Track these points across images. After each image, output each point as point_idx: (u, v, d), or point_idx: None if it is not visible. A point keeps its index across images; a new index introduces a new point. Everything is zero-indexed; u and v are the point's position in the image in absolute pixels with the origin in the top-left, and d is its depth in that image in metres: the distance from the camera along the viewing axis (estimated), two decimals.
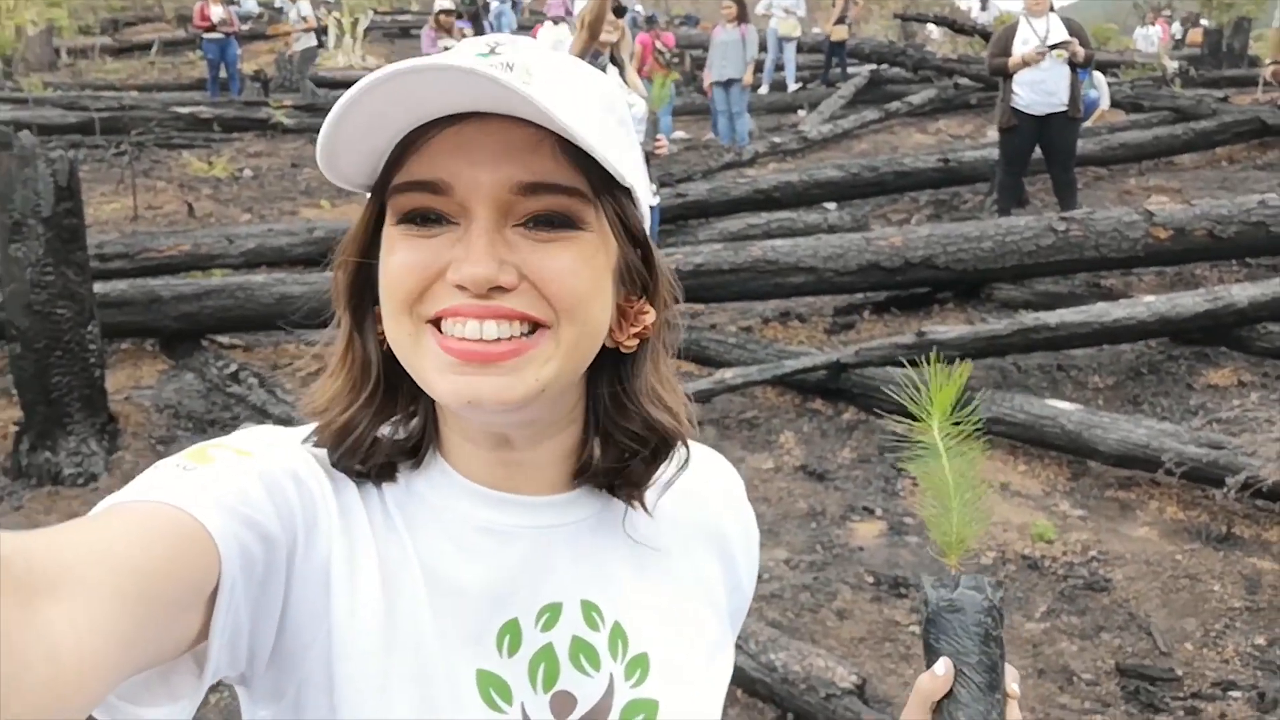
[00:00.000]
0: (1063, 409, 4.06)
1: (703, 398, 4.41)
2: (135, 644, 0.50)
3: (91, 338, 3.99)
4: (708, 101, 10.80)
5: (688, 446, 0.72)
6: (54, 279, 3.85)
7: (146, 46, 17.71)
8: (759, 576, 3.36)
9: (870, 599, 3.17)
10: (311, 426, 0.68)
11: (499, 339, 0.61)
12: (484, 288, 0.60)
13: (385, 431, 0.68)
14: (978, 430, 0.72)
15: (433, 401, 0.67)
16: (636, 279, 0.68)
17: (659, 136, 4.61)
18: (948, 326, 4.85)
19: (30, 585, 0.45)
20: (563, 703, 0.67)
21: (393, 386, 0.67)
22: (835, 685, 2.47)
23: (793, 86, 13.06)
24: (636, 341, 0.68)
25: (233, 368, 4.86)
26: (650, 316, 0.68)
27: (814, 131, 10.03)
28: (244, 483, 0.60)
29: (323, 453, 0.67)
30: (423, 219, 0.62)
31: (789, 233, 6.32)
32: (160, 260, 5.83)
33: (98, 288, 4.35)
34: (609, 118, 0.65)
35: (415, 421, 0.69)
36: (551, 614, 0.68)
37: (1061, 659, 2.88)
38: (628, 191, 0.65)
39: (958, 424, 0.72)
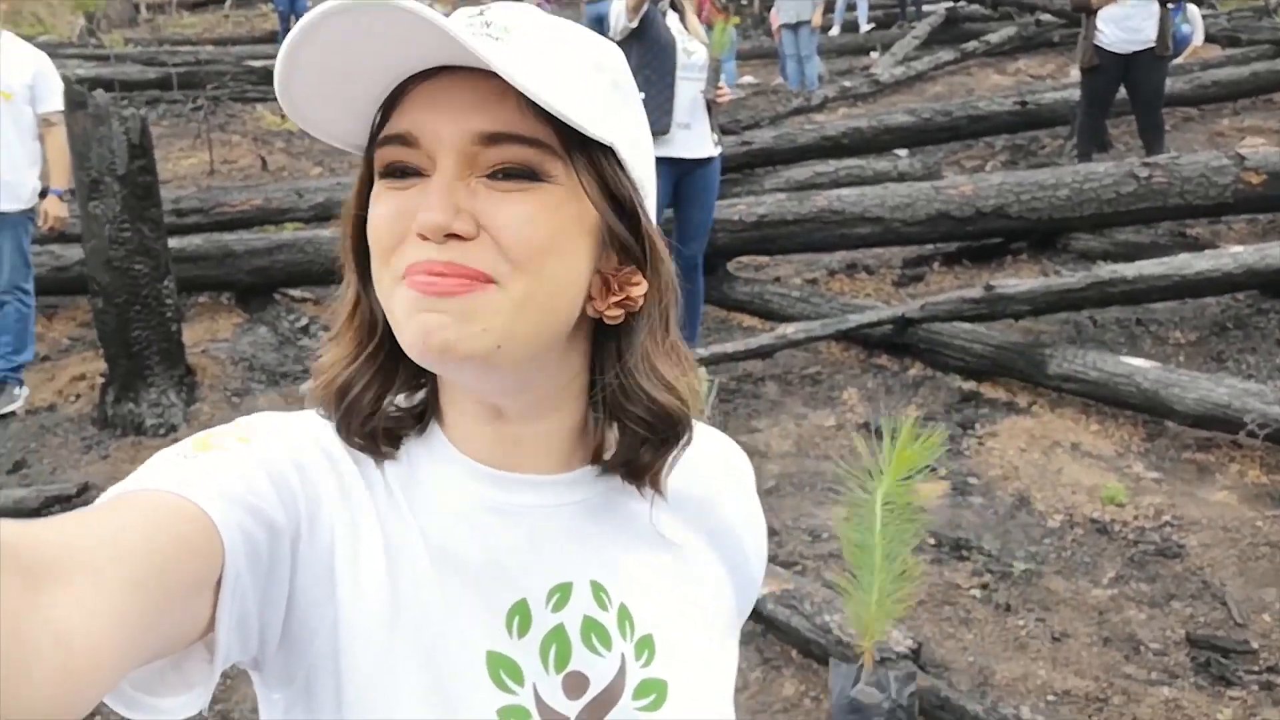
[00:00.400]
0: (1138, 366, 3.91)
1: (765, 353, 4.37)
2: (145, 632, 0.50)
3: (168, 292, 4.11)
4: (776, 45, 10.52)
5: (693, 428, 0.70)
6: (130, 235, 3.97)
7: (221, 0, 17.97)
8: (818, 535, 3.33)
9: (930, 560, 3.13)
10: (311, 412, 0.69)
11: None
12: (439, 234, 0.59)
13: (397, 400, 0.69)
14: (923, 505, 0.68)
15: (435, 374, 0.68)
16: (624, 246, 0.66)
17: (720, 84, 4.50)
18: (1018, 280, 4.69)
19: (39, 573, 0.45)
20: (576, 683, 0.67)
21: (397, 347, 0.66)
22: (891, 649, 2.45)
23: (865, 27, 12.63)
24: (620, 313, 0.66)
25: (303, 321, 4.98)
26: (641, 288, 0.66)
27: (886, 74, 9.70)
28: (246, 470, 0.60)
29: (328, 437, 0.67)
30: (400, 172, 0.63)
31: (858, 180, 6.15)
32: (233, 215, 5.96)
33: (175, 243, 4.47)
34: (600, 78, 0.64)
35: (421, 393, 0.70)
36: (562, 594, 0.68)
37: (1128, 627, 2.81)
38: (611, 152, 0.64)
39: (908, 482, 0.68)
